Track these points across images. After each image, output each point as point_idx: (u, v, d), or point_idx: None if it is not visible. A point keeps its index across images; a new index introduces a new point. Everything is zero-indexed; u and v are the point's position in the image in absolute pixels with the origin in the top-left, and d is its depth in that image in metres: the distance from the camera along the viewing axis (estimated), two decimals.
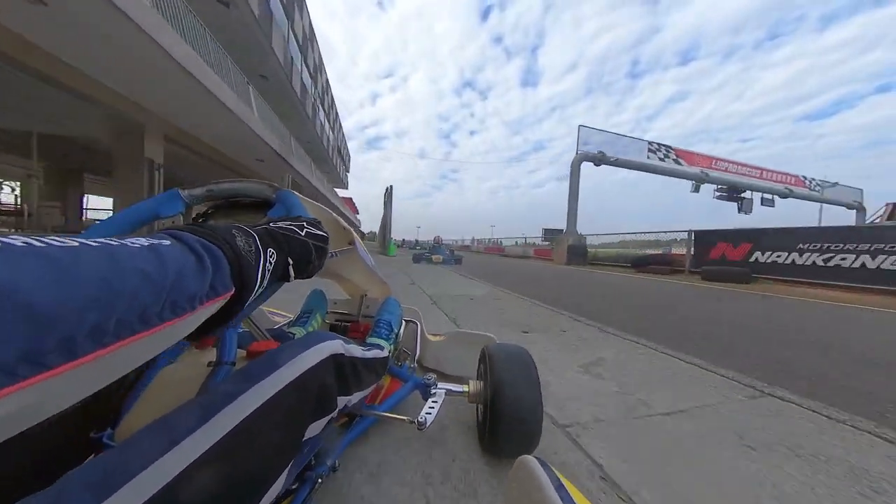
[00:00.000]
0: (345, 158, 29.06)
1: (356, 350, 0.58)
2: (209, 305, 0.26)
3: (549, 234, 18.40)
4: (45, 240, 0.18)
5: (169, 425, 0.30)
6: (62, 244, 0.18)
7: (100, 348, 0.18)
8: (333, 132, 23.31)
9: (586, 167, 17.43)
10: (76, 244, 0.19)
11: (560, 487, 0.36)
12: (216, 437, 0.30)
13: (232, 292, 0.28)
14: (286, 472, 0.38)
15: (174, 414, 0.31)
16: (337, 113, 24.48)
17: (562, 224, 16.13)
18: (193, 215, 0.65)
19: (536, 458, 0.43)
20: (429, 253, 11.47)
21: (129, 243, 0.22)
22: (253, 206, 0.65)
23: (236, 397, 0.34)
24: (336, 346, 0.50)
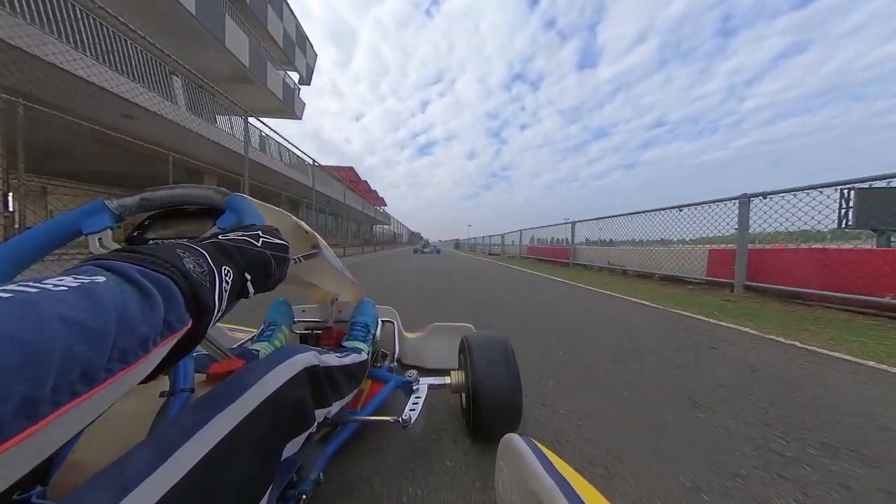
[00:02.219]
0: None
1: (332, 359, 0.55)
2: (165, 344, 0.23)
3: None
4: None
5: (119, 472, 0.26)
6: None
7: (33, 424, 0.15)
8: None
9: None
10: None
11: (544, 460, 0.38)
12: (176, 478, 0.27)
13: (189, 325, 0.25)
14: (265, 498, 0.36)
15: (125, 458, 0.28)
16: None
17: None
18: (131, 230, 0.57)
19: (520, 435, 0.45)
20: (422, 248, 22.54)
21: (50, 286, 0.18)
22: (198, 213, 0.58)
23: (197, 430, 0.31)
24: (309, 357, 0.47)
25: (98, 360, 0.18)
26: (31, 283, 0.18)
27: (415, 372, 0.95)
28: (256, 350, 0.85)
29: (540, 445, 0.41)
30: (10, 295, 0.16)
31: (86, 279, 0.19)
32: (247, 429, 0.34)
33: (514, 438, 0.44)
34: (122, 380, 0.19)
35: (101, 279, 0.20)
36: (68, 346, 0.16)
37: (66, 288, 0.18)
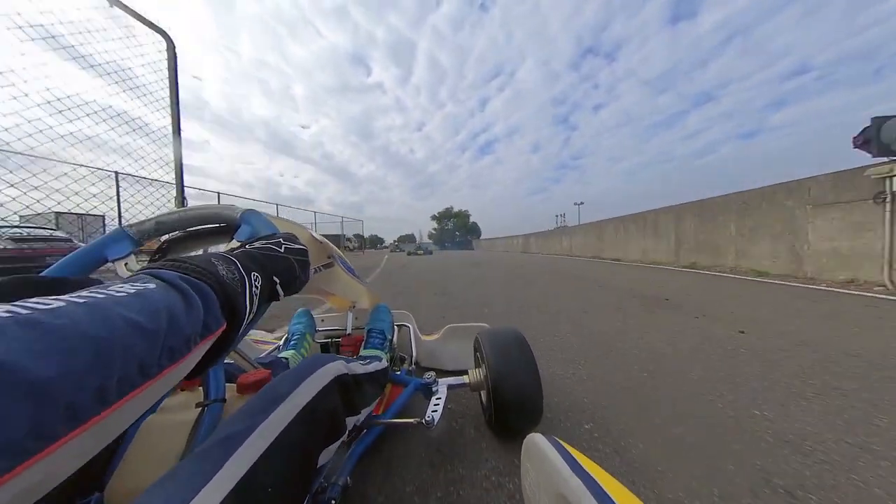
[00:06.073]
0: None
1: (358, 367, 0.57)
2: (204, 344, 0.25)
3: None
4: (29, 304, 0.17)
5: (174, 485, 0.28)
6: (47, 307, 0.17)
7: (104, 409, 0.18)
8: None
9: None
10: (62, 304, 0.18)
11: (571, 459, 0.38)
12: (227, 489, 0.29)
13: (224, 327, 0.27)
14: None
15: (178, 471, 0.30)
16: None
17: None
18: (154, 252, 0.60)
19: (544, 434, 0.45)
20: (415, 250, 26.49)
21: (114, 292, 0.21)
22: (212, 233, 0.61)
23: (243, 441, 0.33)
24: (338, 367, 0.49)
25: (152, 356, 0.20)
26: (98, 290, 0.21)
27: (433, 373, 0.97)
28: (286, 358, 0.88)
29: (565, 444, 0.41)
30: (84, 300, 0.19)
31: (140, 286, 0.23)
32: (285, 440, 0.35)
33: (537, 438, 0.43)
34: (169, 375, 0.22)
35: (152, 285, 0.23)
36: (130, 343, 0.19)
37: (125, 293, 0.21)
